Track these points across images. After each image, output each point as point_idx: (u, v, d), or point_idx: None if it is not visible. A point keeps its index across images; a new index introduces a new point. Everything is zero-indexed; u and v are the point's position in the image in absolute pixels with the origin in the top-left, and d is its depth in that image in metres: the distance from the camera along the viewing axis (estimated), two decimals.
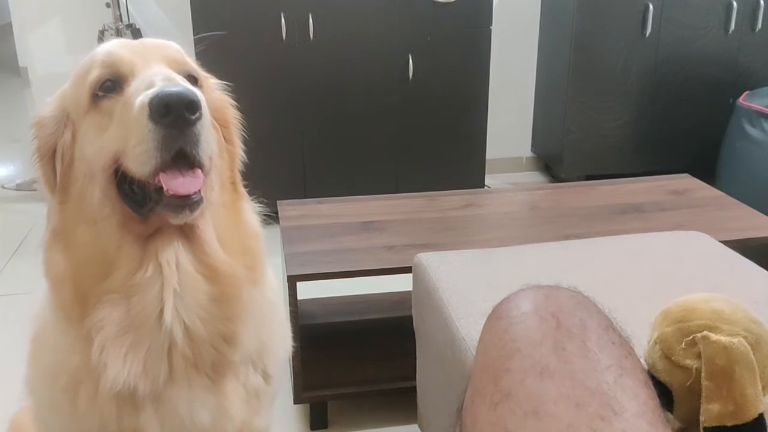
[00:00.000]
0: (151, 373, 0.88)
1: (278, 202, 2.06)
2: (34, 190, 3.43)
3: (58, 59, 3.23)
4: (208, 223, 0.90)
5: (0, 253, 2.85)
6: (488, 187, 3.32)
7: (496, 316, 0.64)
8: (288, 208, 2.06)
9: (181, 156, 0.80)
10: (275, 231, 1.69)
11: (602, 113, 3.37)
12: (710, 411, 0.55)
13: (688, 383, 0.58)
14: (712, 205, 2.07)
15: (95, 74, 0.86)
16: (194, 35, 2.76)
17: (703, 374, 0.57)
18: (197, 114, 0.79)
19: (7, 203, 3.44)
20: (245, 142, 1.03)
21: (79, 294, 0.88)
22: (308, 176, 3.13)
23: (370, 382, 1.84)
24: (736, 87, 3.33)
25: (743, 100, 3.12)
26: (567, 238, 1.74)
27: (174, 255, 0.87)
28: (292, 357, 1.66)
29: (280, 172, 3.02)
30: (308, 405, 1.86)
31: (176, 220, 0.84)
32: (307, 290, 1.92)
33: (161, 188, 0.80)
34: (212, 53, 1.03)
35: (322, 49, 2.95)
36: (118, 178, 0.84)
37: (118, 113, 0.84)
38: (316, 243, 1.84)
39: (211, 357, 0.92)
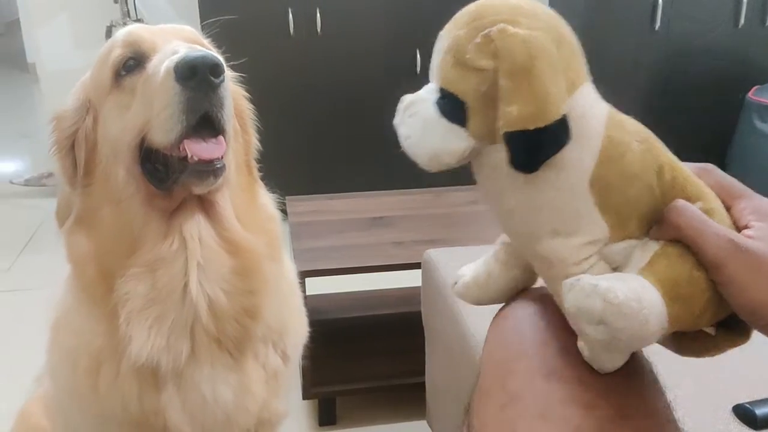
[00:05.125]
0: (173, 349, 0.90)
1: (287, 197, 2.05)
2: (43, 185, 3.44)
3: (66, 55, 3.24)
4: (227, 200, 0.92)
5: (9, 249, 2.86)
6: None
7: (503, 316, 0.63)
8: (296, 204, 2.06)
9: (205, 123, 0.82)
10: (284, 226, 1.69)
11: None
12: (509, 114, 0.48)
13: (485, 88, 0.50)
14: None
15: (117, 53, 0.88)
16: (201, 31, 2.76)
17: (500, 72, 0.49)
18: (221, 77, 0.82)
19: (16, 199, 3.45)
20: None
21: (104, 272, 0.90)
22: (316, 172, 3.13)
23: (379, 377, 1.84)
24: (746, 82, 3.29)
25: (753, 95, 3.10)
26: None
27: (197, 229, 0.89)
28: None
29: (287, 168, 3.01)
30: (317, 401, 1.86)
31: (200, 188, 0.86)
32: (315, 286, 1.92)
33: (185, 158, 0.82)
34: (220, 49, 1.03)
35: (329, 44, 2.95)
36: (142, 155, 0.86)
37: (141, 87, 0.86)
38: (325, 239, 1.84)
39: (234, 332, 0.93)
